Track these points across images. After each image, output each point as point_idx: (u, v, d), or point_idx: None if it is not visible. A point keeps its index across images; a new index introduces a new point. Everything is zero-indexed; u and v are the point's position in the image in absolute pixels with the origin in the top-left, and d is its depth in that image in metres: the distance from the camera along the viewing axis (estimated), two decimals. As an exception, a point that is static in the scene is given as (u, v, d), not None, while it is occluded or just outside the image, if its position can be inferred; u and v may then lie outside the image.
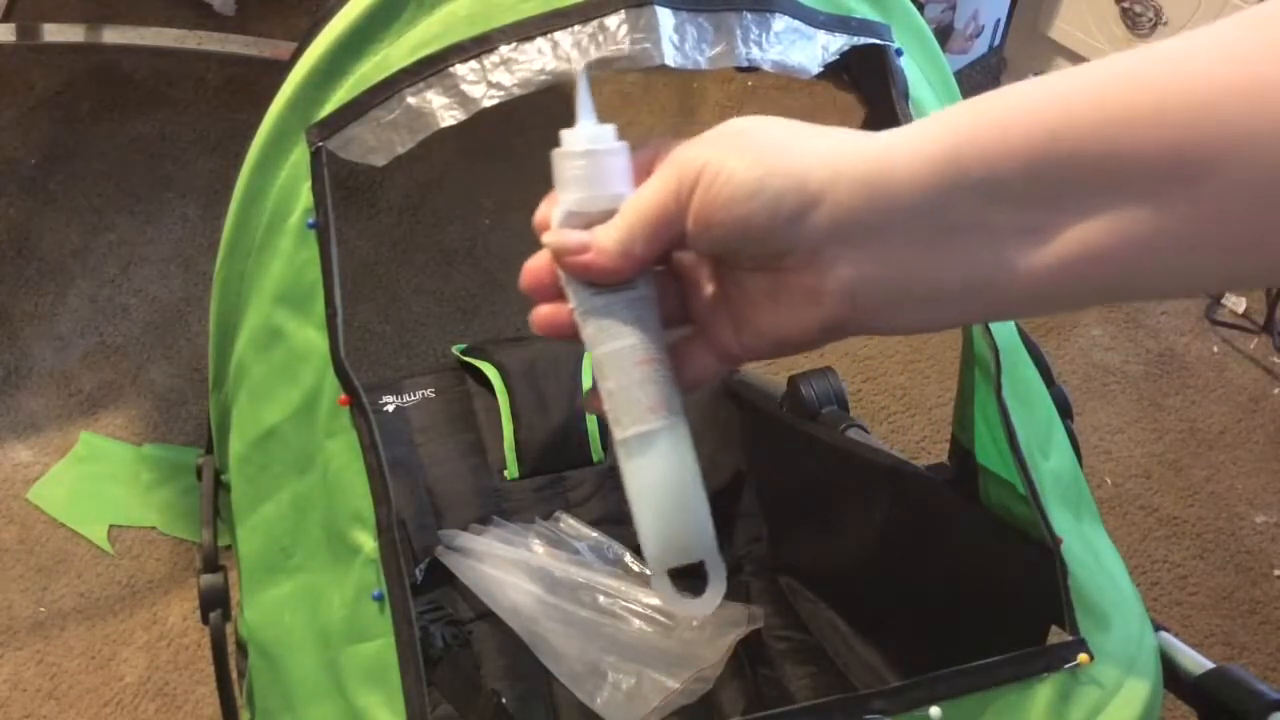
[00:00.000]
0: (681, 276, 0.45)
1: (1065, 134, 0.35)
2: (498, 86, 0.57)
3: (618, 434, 0.44)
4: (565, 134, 0.44)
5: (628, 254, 0.42)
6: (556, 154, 0.44)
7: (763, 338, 0.42)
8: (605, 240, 0.42)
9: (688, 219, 0.40)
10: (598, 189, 0.43)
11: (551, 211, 0.44)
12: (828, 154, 0.38)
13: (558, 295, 0.44)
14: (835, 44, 0.62)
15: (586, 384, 1.11)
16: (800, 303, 0.40)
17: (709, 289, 0.45)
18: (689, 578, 0.44)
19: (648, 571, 1.03)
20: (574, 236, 0.42)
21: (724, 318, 0.44)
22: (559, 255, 0.43)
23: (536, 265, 0.45)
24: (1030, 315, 0.41)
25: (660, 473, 0.43)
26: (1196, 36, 0.35)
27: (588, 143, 0.43)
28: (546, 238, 0.43)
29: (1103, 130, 0.34)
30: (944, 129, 0.37)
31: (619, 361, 0.43)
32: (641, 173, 0.43)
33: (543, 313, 0.45)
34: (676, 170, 0.40)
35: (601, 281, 0.43)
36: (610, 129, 0.44)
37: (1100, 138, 0.34)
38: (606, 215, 0.42)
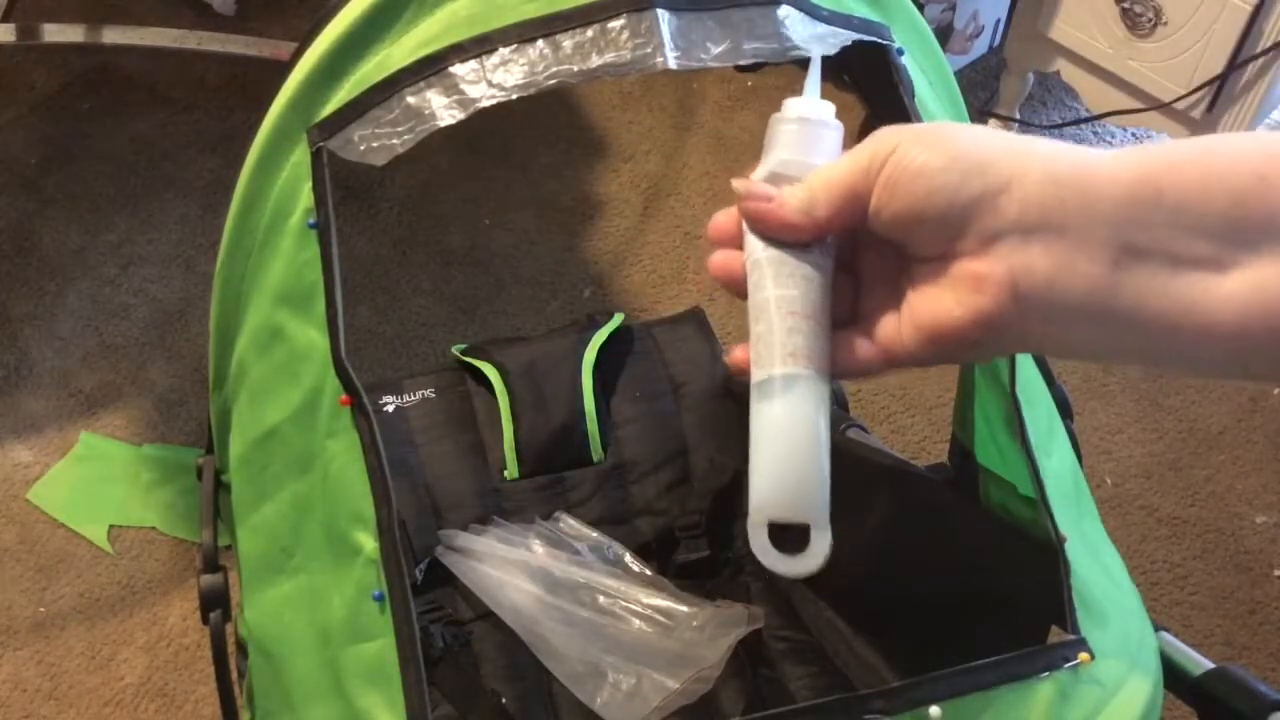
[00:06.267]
0: (859, 275, 0.45)
1: (1276, 177, 0.34)
2: (498, 87, 0.57)
3: (756, 376, 0.43)
4: (787, 101, 0.45)
5: (807, 213, 0.42)
6: (774, 118, 0.45)
7: (921, 328, 0.41)
8: (789, 196, 0.42)
9: (873, 192, 0.40)
10: (801, 155, 0.44)
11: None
12: (1021, 150, 0.38)
13: (739, 246, 0.45)
14: (839, 36, 0.62)
15: (587, 384, 1.11)
16: (964, 289, 0.39)
17: (881, 284, 0.44)
18: (784, 540, 0.43)
19: (647, 572, 1.03)
20: (761, 187, 0.43)
21: (890, 307, 0.43)
22: (744, 200, 0.43)
23: (725, 217, 0.45)
24: (1195, 365, 0.39)
25: (787, 420, 0.42)
26: None
27: (803, 111, 0.44)
28: (736, 182, 0.44)
29: None
30: (1144, 154, 0.37)
31: (773, 308, 0.43)
32: None
33: (719, 258, 0.45)
34: (871, 146, 0.40)
35: (777, 235, 0.43)
36: (830, 107, 0.45)
37: None
38: None
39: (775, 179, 0.44)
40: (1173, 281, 0.36)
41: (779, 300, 0.42)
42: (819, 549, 0.42)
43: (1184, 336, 0.36)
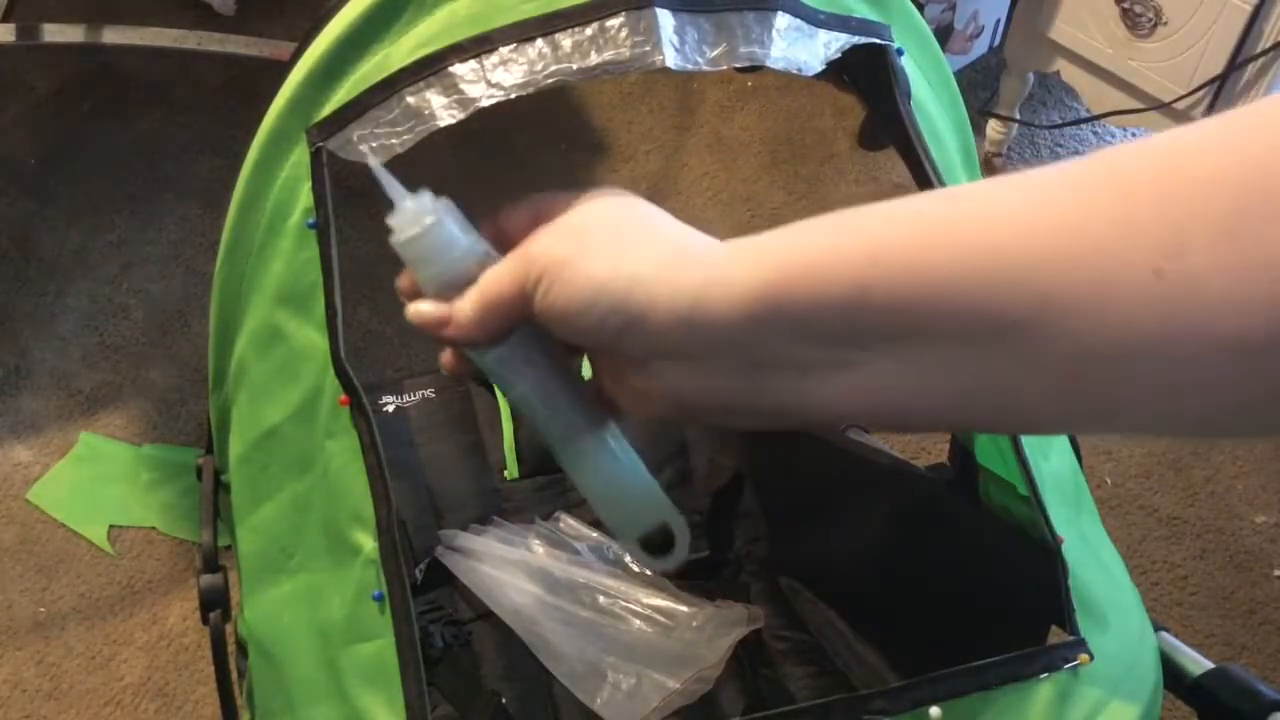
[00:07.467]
0: None
1: (879, 285, 0.35)
2: (497, 86, 0.57)
3: (553, 449, 0.48)
4: (389, 222, 0.46)
5: (484, 326, 0.44)
6: (392, 244, 0.46)
7: (630, 407, 0.45)
8: (463, 315, 0.44)
9: (533, 313, 0.42)
10: (442, 259, 0.45)
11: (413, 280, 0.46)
12: (652, 276, 0.40)
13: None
14: (837, 42, 0.62)
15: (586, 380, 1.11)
16: (638, 395, 0.43)
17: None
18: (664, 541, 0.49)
19: (648, 571, 1.03)
20: (433, 311, 0.45)
21: (604, 371, 0.46)
22: (425, 329, 0.45)
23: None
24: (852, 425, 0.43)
25: (592, 478, 0.48)
26: (1021, 186, 0.34)
27: (411, 225, 0.45)
28: (409, 312, 0.46)
29: (918, 286, 0.35)
30: (760, 266, 0.38)
31: (525, 405, 0.47)
32: (522, 231, 0.44)
33: (446, 359, 0.48)
34: (524, 266, 0.42)
35: (474, 347, 0.45)
36: (425, 197, 0.46)
37: (915, 293, 0.35)
38: (467, 269, 0.44)
39: (443, 287, 0.45)
40: (802, 383, 0.38)
41: (525, 398, 0.47)
42: (682, 536, 0.49)
43: (817, 422, 0.42)
